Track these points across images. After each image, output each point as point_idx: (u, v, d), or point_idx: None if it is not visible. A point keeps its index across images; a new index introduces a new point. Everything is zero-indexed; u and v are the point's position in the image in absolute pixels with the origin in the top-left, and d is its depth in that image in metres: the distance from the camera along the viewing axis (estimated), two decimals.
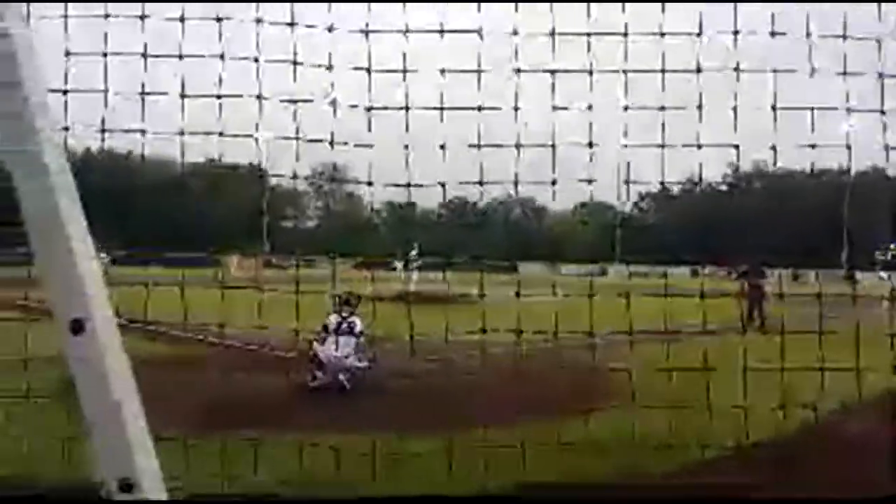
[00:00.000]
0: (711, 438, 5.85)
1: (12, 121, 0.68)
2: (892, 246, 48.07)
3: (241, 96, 4.48)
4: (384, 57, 4.79)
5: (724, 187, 74.44)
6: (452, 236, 60.54)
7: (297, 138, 4.73)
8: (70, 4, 4.22)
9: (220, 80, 4.45)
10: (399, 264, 36.04)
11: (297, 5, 4.34)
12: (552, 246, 58.96)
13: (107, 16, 4.17)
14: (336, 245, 59.26)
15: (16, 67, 0.67)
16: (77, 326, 0.69)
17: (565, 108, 4.48)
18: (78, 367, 0.69)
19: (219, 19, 4.38)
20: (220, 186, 59.02)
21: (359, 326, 9.29)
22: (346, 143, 4.71)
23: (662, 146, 4.49)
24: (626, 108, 4.51)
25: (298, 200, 78.56)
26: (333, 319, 9.35)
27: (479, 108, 4.59)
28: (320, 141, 4.57)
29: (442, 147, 4.52)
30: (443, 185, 4.74)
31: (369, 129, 4.66)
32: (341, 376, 9.00)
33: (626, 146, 4.52)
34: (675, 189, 75.01)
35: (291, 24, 4.23)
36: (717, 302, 8.04)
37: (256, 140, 4.76)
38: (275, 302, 5.20)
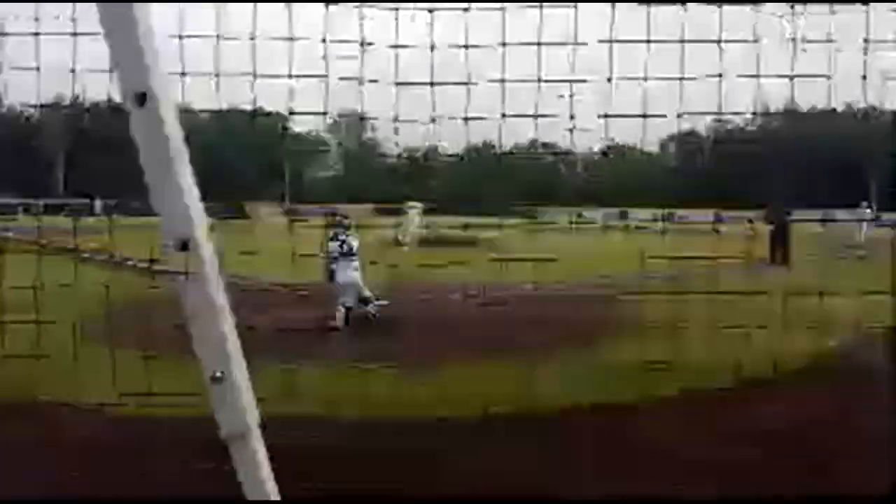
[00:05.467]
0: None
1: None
2: None
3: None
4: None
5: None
6: (476, 181, 53.11)
7: (324, 76, 3.11)
8: None
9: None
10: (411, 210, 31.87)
11: None
12: (578, 191, 45.83)
13: None
14: (355, 192, 54.34)
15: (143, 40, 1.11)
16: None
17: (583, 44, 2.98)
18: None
19: None
20: (237, 132, 54.23)
21: (355, 247, 9.99)
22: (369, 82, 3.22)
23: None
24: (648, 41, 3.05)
25: (318, 148, 74.30)
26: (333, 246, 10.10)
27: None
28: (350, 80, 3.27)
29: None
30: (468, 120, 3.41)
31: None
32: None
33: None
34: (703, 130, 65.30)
35: None
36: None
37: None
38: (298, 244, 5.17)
